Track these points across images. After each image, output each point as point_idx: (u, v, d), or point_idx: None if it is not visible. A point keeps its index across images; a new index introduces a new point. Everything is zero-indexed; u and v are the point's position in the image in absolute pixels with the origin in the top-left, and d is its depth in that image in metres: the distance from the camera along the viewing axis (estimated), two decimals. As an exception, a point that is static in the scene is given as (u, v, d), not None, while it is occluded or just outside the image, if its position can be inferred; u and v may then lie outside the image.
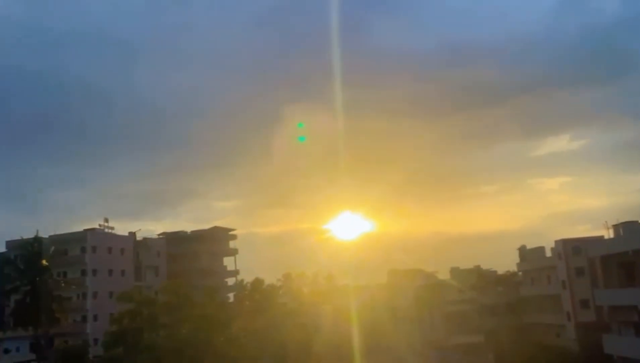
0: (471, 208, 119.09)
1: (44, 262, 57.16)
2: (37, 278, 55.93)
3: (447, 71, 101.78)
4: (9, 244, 67.07)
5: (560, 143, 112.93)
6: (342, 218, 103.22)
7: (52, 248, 60.93)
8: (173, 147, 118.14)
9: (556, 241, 63.25)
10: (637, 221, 50.60)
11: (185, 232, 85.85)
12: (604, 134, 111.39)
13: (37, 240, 57.31)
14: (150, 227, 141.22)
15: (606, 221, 54.32)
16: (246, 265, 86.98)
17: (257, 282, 50.00)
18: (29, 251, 56.77)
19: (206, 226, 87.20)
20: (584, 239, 59.88)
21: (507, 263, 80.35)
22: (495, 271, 77.71)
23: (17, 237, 62.40)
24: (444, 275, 78.01)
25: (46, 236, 62.96)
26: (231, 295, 75.14)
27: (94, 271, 69.23)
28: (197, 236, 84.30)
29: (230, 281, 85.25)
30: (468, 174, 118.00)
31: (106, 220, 73.68)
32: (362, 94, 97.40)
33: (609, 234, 53.10)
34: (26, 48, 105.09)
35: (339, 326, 52.06)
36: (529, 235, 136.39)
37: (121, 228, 76.31)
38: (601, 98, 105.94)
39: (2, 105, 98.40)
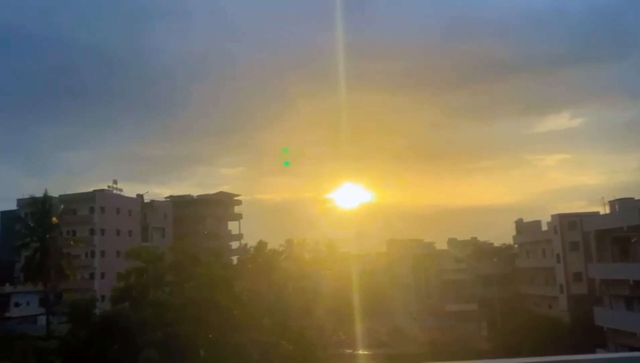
0: (470, 182, 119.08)
1: (54, 220, 57.40)
2: (47, 235, 56.21)
3: (452, 45, 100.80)
4: (20, 202, 67.32)
5: (561, 121, 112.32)
6: (344, 188, 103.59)
7: (62, 207, 61.12)
8: (179, 112, 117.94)
9: (552, 216, 63.34)
10: (632, 198, 50.53)
11: (192, 196, 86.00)
12: (603, 112, 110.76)
13: (46, 198, 57.38)
14: (156, 190, 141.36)
15: (603, 197, 54.36)
16: (250, 230, 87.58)
17: (261, 244, 50.21)
18: (39, 209, 56.90)
19: (211, 192, 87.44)
20: (579, 214, 60.00)
21: (503, 236, 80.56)
22: (491, 244, 77.87)
23: (27, 196, 62.55)
24: (441, 245, 78.37)
25: (56, 195, 63.14)
26: (235, 259, 75.57)
27: (102, 231, 69.74)
28: (203, 200, 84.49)
29: (234, 244, 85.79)
30: (469, 149, 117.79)
31: (115, 182, 74.02)
32: (365, 67, 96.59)
33: (605, 210, 53.14)
34: (35, 10, 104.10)
35: (338, 291, 52.44)
36: (526, 209, 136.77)
37: (128, 190, 76.48)
38: (603, 77, 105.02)
39: (11, 66, 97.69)
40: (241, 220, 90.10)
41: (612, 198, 52.42)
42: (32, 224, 57.48)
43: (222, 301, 34.54)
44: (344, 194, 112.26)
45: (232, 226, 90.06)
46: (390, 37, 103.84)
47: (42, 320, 56.44)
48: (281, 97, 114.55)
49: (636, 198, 50.78)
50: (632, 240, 50.56)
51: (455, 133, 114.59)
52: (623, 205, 49.54)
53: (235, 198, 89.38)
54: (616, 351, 38.76)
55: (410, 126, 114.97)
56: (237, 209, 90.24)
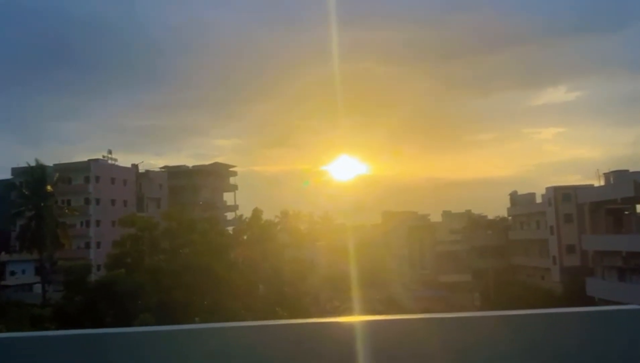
0: (466, 155, 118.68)
1: (49, 189, 56.96)
2: (42, 204, 55.76)
3: (449, 15, 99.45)
4: (14, 171, 66.84)
5: (558, 94, 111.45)
6: (340, 160, 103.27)
7: (57, 176, 60.60)
8: (174, 83, 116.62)
9: (547, 188, 63.46)
10: (627, 171, 50.54)
11: (187, 166, 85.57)
12: (600, 86, 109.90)
13: (41, 167, 56.85)
14: (151, 161, 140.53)
15: (598, 170, 54.36)
16: (245, 201, 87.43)
17: (256, 212, 49.94)
18: (34, 178, 56.37)
19: (206, 163, 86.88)
20: (574, 186, 60.11)
21: (498, 209, 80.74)
22: (485, 216, 78.14)
23: (22, 165, 62.07)
24: (436, 218, 78.57)
25: (50, 165, 62.61)
26: (230, 229, 75.56)
27: (97, 201, 69.51)
28: (198, 171, 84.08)
29: (230, 216, 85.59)
30: (465, 122, 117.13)
31: (110, 152, 73.54)
32: (361, 37, 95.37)
33: (599, 183, 53.11)
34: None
35: (333, 261, 52.53)
36: (521, 182, 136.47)
37: (123, 160, 76.18)
38: (601, 49, 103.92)
39: (4, 37, 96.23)
40: (236, 191, 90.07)
41: (607, 171, 52.47)
42: (27, 193, 56.99)
43: (217, 268, 34.47)
44: (339, 167, 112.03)
45: (228, 197, 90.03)
46: (387, 7, 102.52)
47: (38, 288, 56.44)
48: (275, 68, 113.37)
49: (631, 170, 50.84)
50: (626, 212, 50.72)
51: (452, 106, 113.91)
52: (618, 177, 49.56)
53: (231, 169, 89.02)
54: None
55: (407, 98, 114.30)
56: (232, 180, 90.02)
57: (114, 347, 2.56)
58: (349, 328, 2.61)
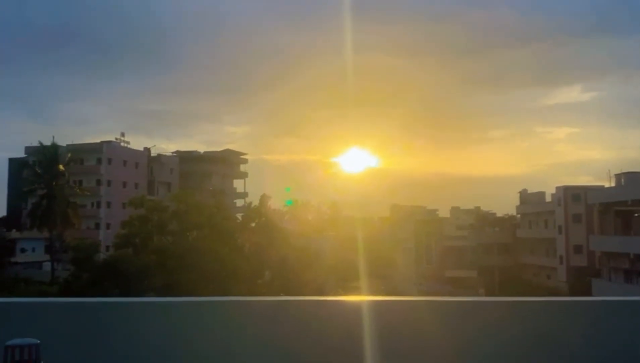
0: (477, 151, 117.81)
1: (61, 168, 57.36)
2: (54, 183, 56.24)
3: (466, 11, 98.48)
4: (27, 149, 67.24)
5: (572, 94, 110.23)
6: (350, 152, 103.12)
7: (69, 156, 61.01)
8: (186, 69, 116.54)
9: (557, 187, 63.10)
10: (639, 172, 50.05)
11: (198, 152, 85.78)
12: (616, 87, 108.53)
13: (54, 146, 57.26)
14: (163, 145, 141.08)
15: (609, 170, 53.87)
16: (255, 189, 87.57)
17: (264, 198, 49.96)
18: (47, 157, 56.80)
19: (217, 149, 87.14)
20: (584, 187, 59.77)
21: (506, 207, 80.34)
22: (494, 213, 77.83)
23: (35, 144, 62.47)
24: (444, 213, 78.36)
25: (63, 145, 62.96)
26: (239, 216, 75.84)
27: (109, 182, 69.92)
28: (210, 157, 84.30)
29: (239, 202, 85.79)
30: (477, 118, 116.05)
31: (122, 134, 73.89)
32: (374, 30, 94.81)
33: (610, 184, 52.77)
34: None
35: (340, 252, 52.56)
36: (531, 181, 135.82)
37: (135, 143, 76.36)
38: (618, 50, 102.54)
39: (21, 16, 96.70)
40: (246, 179, 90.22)
41: (618, 172, 52.05)
42: (39, 171, 57.45)
43: (223, 252, 34.61)
44: (349, 159, 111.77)
45: (238, 184, 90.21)
46: (403, 1, 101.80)
47: (47, 266, 56.87)
48: (287, 58, 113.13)
49: (643, 172, 50.35)
50: (636, 214, 50.32)
51: (465, 102, 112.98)
52: (629, 179, 49.16)
53: (241, 157, 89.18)
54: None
55: (419, 92, 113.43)
56: (242, 167, 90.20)
57: (109, 316, 2.59)
58: (355, 306, 2.65)
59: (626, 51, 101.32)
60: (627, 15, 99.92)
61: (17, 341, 1.70)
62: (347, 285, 50.47)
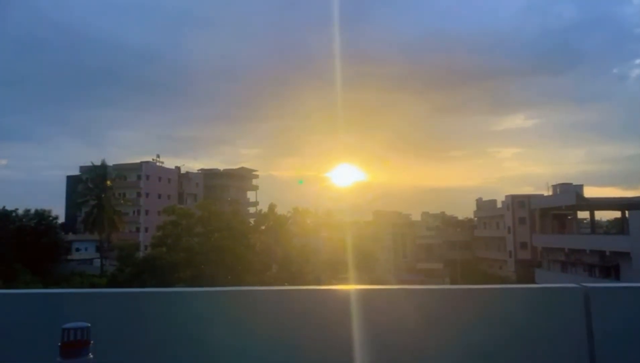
0: (443, 167, 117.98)
1: (108, 183, 57.20)
2: (102, 195, 56.05)
3: (429, 53, 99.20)
4: (82, 168, 66.99)
5: (517, 121, 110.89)
6: (341, 169, 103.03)
7: (115, 173, 60.82)
8: (208, 102, 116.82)
9: (506, 196, 63.19)
10: (571, 184, 50.20)
11: (219, 169, 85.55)
12: (552, 115, 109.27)
13: (103, 165, 57.20)
14: (190, 165, 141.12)
15: (547, 182, 54.03)
16: (264, 199, 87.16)
17: (271, 206, 49.81)
18: (97, 174, 56.73)
19: (234, 167, 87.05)
20: (527, 195, 59.77)
21: (466, 211, 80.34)
22: (456, 217, 77.83)
23: (88, 164, 62.34)
24: (416, 217, 78.22)
25: (110, 165, 62.82)
26: (252, 221, 75.59)
27: (147, 194, 69.66)
28: (228, 173, 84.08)
29: (252, 210, 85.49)
30: (442, 140, 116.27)
31: (158, 156, 73.81)
32: (360, 70, 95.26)
33: (548, 193, 52.88)
34: (93, 13, 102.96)
35: (333, 249, 52.28)
36: (485, 191, 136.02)
37: (168, 162, 76.23)
38: (553, 86, 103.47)
39: (76, 60, 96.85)
40: (257, 191, 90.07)
41: (554, 184, 52.20)
42: (91, 186, 57.31)
43: (238, 250, 34.38)
44: (340, 174, 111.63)
45: (250, 195, 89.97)
46: (380, 46, 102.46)
47: (97, 262, 56.52)
48: (289, 94, 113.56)
49: (574, 184, 50.47)
50: (569, 217, 50.43)
51: (434, 127, 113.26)
52: (563, 189, 49.31)
53: (253, 173, 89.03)
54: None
55: (397, 120, 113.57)
56: (254, 181, 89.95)
57: (147, 303, 2.60)
58: (344, 294, 2.61)
59: (559, 86, 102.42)
60: (560, 56, 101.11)
61: (72, 324, 1.66)
62: (338, 276, 50.26)
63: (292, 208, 76.30)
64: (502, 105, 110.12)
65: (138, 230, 67.58)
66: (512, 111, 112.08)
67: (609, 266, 37.67)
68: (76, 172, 69.52)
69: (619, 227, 53.08)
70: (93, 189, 56.69)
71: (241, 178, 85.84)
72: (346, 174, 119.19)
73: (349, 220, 74.91)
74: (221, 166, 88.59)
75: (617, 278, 35.50)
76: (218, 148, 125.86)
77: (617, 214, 51.96)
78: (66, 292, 2.76)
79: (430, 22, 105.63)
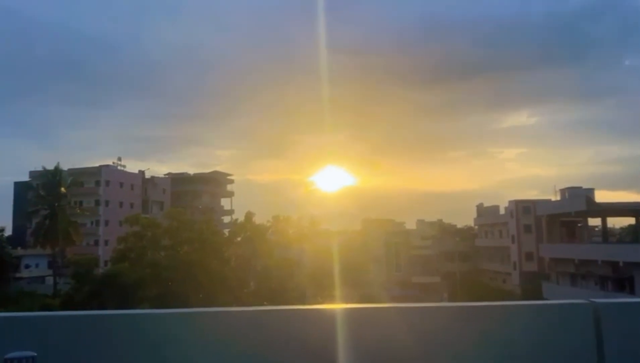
0: (439, 170, 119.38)
1: (63, 190, 56.39)
2: (56, 204, 55.21)
3: (424, 45, 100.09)
4: (32, 173, 66.13)
5: (520, 118, 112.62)
6: (327, 172, 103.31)
7: (70, 179, 60.02)
8: (177, 97, 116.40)
9: (509, 201, 63.74)
10: (581, 187, 50.91)
11: (189, 174, 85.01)
12: (558, 112, 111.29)
13: (57, 170, 56.36)
14: (156, 168, 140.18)
15: (555, 186, 54.73)
16: (241, 207, 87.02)
17: (248, 215, 49.59)
18: (50, 180, 55.85)
19: (206, 171, 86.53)
20: (533, 200, 60.44)
21: (465, 219, 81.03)
22: (454, 225, 78.33)
23: (39, 168, 61.48)
24: (410, 225, 78.55)
25: (65, 169, 62.00)
26: (226, 231, 75.26)
27: (107, 202, 69.04)
28: (199, 178, 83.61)
29: (226, 219, 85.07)
30: (438, 140, 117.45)
31: (119, 158, 73.17)
32: (347, 63, 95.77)
33: (556, 198, 53.46)
34: (46, 1, 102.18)
35: (318, 262, 52.18)
36: (486, 196, 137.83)
37: (131, 166, 75.57)
38: (558, 80, 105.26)
39: (26, 52, 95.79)
40: (233, 197, 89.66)
41: (563, 187, 52.85)
42: (42, 194, 56.44)
43: (212, 264, 34.16)
44: (326, 178, 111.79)
45: (225, 203, 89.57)
46: (370, 36, 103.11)
47: (50, 280, 55.62)
48: (269, 88, 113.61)
49: (584, 187, 51.23)
50: (579, 224, 51.11)
51: (428, 126, 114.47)
52: (572, 193, 49.92)
53: (228, 177, 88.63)
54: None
55: (387, 118, 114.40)
56: (229, 187, 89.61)
57: (108, 327, 2.54)
58: (329, 314, 2.61)
59: (565, 81, 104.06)
60: (566, 48, 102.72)
61: (15, 354, 1.63)
62: (324, 293, 50.21)
63: (272, 217, 76.47)
64: (504, 101, 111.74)
65: (97, 243, 66.85)
66: (515, 107, 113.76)
67: (622, 278, 38.24)
68: (25, 178, 68.57)
69: (634, 235, 54.01)
70: (45, 197, 55.84)
71: (214, 183, 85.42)
72: (333, 178, 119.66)
73: (336, 229, 75.06)
74: (191, 170, 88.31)
75: (632, 292, 36.05)
76: (188, 149, 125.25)
77: (631, 220, 52.85)
78: (11, 316, 2.67)
79: (424, 7, 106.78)
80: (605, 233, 48.60)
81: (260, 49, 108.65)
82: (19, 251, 62.47)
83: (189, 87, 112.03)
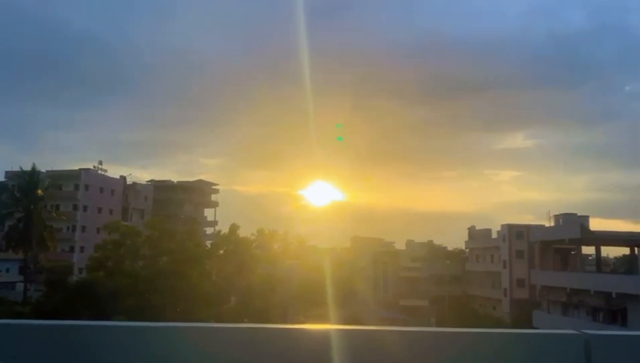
0: (430, 189, 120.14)
1: (39, 193, 55.80)
2: (31, 207, 54.58)
3: (420, 60, 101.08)
4: (8, 174, 65.49)
5: (516, 140, 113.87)
6: (315, 186, 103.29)
7: (48, 181, 59.49)
8: (161, 103, 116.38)
9: (502, 225, 64.10)
10: (575, 214, 51.31)
11: (172, 181, 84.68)
12: (555, 136, 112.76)
13: (34, 172, 55.82)
14: (138, 174, 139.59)
15: (549, 211, 55.11)
16: (225, 218, 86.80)
17: (233, 227, 49.41)
18: (26, 182, 55.28)
19: (190, 179, 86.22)
20: (526, 225, 60.85)
21: (456, 241, 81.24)
22: (445, 247, 78.54)
23: (16, 169, 60.86)
24: (400, 245, 78.72)
25: (42, 171, 61.45)
26: (209, 243, 74.80)
27: (85, 207, 68.49)
28: (183, 186, 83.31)
29: (209, 230, 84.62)
30: (431, 158, 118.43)
31: (100, 162, 72.71)
32: (338, 75, 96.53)
33: (549, 224, 53.78)
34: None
35: (303, 279, 51.99)
36: (478, 218, 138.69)
37: (112, 171, 75.13)
38: (556, 102, 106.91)
39: (5, 47, 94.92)
40: (217, 208, 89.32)
41: (557, 213, 53.23)
42: (17, 195, 55.81)
43: (192, 277, 33.90)
44: (315, 192, 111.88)
45: (208, 213, 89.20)
46: (362, 46, 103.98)
47: (20, 287, 54.82)
48: (257, 98, 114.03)
49: (579, 214, 51.65)
50: (572, 252, 51.43)
51: (421, 144, 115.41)
52: (566, 220, 50.29)
53: (213, 187, 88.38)
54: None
55: (379, 132, 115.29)
56: (214, 197, 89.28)
57: (80, 338, 2.49)
58: (320, 334, 2.60)
59: (565, 104, 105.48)
60: (567, 71, 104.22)
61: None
62: (308, 312, 49.94)
63: (256, 230, 76.24)
64: (500, 121, 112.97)
65: (72, 249, 66.18)
66: (511, 128, 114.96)
67: (615, 310, 38.45)
68: (0, 178, 67.82)
69: (628, 266, 54.44)
70: (20, 199, 55.21)
71: (198, 192, 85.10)
72: (322, 193, 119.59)
73: (323, 246, 75.04)
74: (175, 178, 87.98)
75: (624, 325, 36.24)
76: (172, 155, 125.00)
77: (625, 250, 53.27)
78: None
79: (422, 22, 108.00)
80: (599, 263, 48.97)
81: (248, 59, 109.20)
82: (-12, 254, 61.55)
83: (176, 91, 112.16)
